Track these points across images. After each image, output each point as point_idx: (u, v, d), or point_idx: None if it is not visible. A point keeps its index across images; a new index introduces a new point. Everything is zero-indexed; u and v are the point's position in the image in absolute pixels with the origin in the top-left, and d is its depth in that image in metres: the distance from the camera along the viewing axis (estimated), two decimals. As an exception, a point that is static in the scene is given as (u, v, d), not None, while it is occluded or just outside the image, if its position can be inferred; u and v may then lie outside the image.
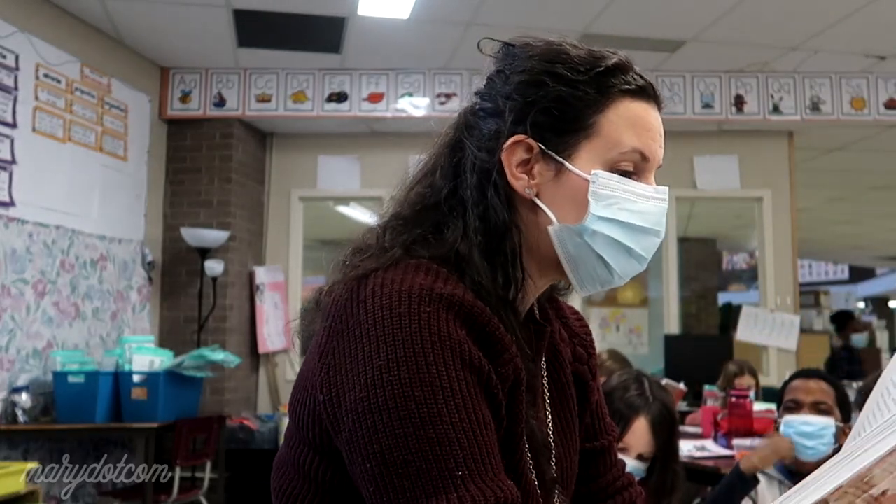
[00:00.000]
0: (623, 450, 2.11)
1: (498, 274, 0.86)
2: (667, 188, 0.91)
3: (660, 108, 0.93)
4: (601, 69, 0.89)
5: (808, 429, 2.13)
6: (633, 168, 0.89)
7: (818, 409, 2.17)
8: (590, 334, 1.10)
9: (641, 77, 0.91)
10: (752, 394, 3.68)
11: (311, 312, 0.90)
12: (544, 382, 0.98)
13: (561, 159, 0.88)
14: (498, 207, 0.88)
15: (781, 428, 2.19)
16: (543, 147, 0.88)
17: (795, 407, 2.21)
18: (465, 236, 0.87)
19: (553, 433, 0.97)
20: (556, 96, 0.88)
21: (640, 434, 2.13)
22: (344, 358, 0.78)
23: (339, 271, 0.87)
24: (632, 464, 2.11)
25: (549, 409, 0.98)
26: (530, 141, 0.88)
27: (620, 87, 0.89)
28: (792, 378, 2.32)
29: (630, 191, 0.88)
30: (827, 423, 2.16)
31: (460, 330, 0.78)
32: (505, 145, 0.88)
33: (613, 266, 0.89)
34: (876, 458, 0.58)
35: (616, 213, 0.87)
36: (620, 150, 0.88)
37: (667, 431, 2.17)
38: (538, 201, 0.88)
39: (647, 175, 0.90)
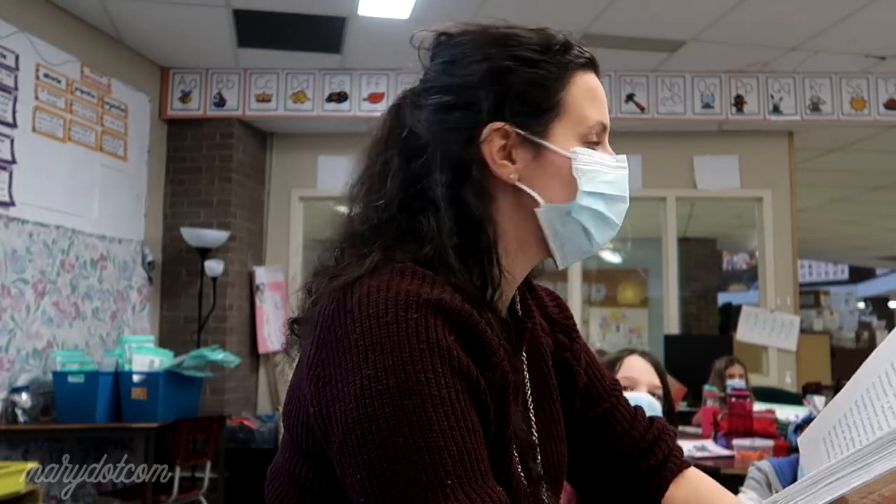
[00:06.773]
0: (630, 389, 1.93)
1: (474, 274, 0.85)
2: (625, 155, 0.95)
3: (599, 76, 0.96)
4: (557, 46, 0.92)
5: None
6: (597, 139, 0.92)
7: None
8: (571, 318, 1.09)
9: (585, 49, 0.95)
10: (743, 383, 3.67)
11: (298, 325, 0.89)
12: (525, 378, 0.98)
13: (541, 141, 0.88)
14: (474, 203, 0.87)
15: None
16: (523, 132, 0.88)
17: None
18: (438, 238, 0.85)
19: (536, 428, 0.96)
20: (524, 79, 0.89)
21: (640, 368, 2.02)
22: (333, 369, 0.77)
23: (312, 286, 0.87)
24: (646, 399, 1.88)
25: (531, 405, 0.97)
26: (507, 127, 0.88)
27: (575, 62, 0.92)
28: None
29: (601, 163, 0.91)
30: None
31: (449, 335, 0.77)
32: (483, 136, 0.88)
33: (595, 236, 0.92)
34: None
35: (597, 186, 0.90)
36: (588, 125, 0.91)
37: (662, 377, 2.07)
38: (523, 186, 0.89)
39: (605, 144, 0.93)
